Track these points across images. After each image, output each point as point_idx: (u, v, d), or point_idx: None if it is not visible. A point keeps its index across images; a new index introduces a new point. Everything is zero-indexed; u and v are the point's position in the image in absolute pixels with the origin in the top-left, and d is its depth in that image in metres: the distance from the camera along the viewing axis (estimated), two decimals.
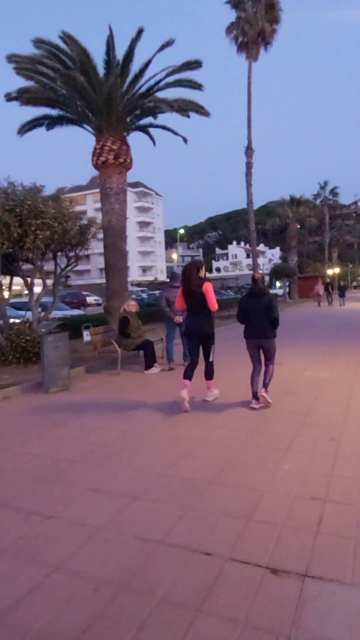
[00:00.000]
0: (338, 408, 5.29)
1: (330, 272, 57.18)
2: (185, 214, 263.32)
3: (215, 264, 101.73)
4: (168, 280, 9.70)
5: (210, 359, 5.85)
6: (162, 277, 78.93)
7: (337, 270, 64.39)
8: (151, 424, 5.04)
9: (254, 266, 30.74)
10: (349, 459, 3.75)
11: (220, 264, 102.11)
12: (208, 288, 5.57)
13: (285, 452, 3.95)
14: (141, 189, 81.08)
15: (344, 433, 4.40)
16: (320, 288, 29.91)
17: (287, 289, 39.20)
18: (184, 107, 13.81)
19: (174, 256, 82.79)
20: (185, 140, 15.15)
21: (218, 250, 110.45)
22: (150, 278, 76.94)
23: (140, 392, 6.62)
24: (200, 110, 13.83)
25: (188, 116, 14.81)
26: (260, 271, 41.77)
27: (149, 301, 31.00)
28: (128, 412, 5.55)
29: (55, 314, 15.84)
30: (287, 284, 39.70)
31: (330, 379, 6.91)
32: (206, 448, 4.17)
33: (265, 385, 5.55)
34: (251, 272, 32.06)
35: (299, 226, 46.66)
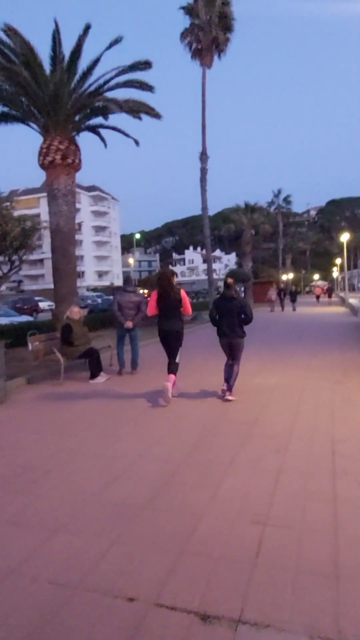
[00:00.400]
0: (285, 417, 5.11)
1: (284, 277, 58.54)
2: (142, 218, 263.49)
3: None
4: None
5: (177, 360, 6.21)
6: (119, 282, 78.01)
7: (290, 275, 66.04)
8: (89, 439, 4.67)
9: (209, 271, 30.80)
10: (293, 473, 3.53)
11: (177, 269, 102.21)
12: (185, 294, 6.15)
13: (228, 468, 3.70)
14: (97, 192, 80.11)
15: (290, 444, 4.21)
16: (273, 293, 30.37)
17: (243, 294, 39.66)
18: (135, 109, 13.52)
19: (131, 261, 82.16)
20: (137, 142, 14.84)
21: (175, 256, 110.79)
22: (107, 283, 75.99)
23: (82, 404, 6.22)
24: (152, 112, 13.58)
25: (140, 118, 14.52)
26: (216, 276, 42.05)
27: (104, 306, 30.40)
28: (65, 427, 5.14)
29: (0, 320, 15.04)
30: (242, 289, 40.16)
31: (279, 386, 6.77)
32: (144, 466, 3.84)
33: (230, 388, 6.09)
34: (207, 277, 32.10)
35: (253, 232, 47.47)
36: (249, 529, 2.76)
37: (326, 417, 5.01)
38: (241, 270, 42.63)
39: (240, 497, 3.18)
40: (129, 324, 8.21)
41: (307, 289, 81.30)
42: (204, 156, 29.54)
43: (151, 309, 6.20)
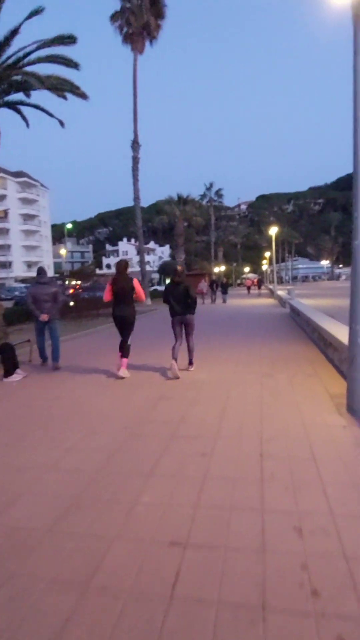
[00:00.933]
0: (213, 415, 4.84)
1: (216, 269, 59.40)
2: (75, 208, 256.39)
3: (105, 261, 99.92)
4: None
5: (129, 342, 6.98)
6: (50, 273, 75.10)
7: (222, 268, 67.19)
8: None
9: (142, 263, 30.33)
10: (218, 480, 3.24)
11: (111, 260, 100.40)
12: (137, 283, 6.92)
13: (149, 478, 3.33)
14: (25, 179, 76.26)
15: (216, 446, 3.92)
16: (204, 285, 30.44)
17: None
18: (59, 86, 12.69)
19: (63, 252, 79.46)
20: (62, 123, 13.99)
21: (108, 247, 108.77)
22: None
23: None
24: (77, 91, 12.82)
25: (65, 97, 13.69)
26: (149, 268, 41.60)
27: None
28: None
29: None
30: None
31: (208, 381, 6.52)
32: (53, 480, 3.37)
33: (191, 361, 7.27)
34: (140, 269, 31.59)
35: (187, 225, 47.49)
36: (167, 553, 2.40)
37: (254, 414, 4.80)
38: (174, 262, 42.48)
39: (159, 514, 2.82)
40: (44, 317, 7.66)
41: (239, 281, 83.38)
42: (135, 144, 28.92)
43: (106, 296, 6.93)
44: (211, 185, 64.41)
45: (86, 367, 7.82)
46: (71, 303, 22.86)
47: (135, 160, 28.94)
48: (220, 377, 6.77)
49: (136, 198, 29.35)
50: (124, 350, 6.93)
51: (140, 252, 31.07)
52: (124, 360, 6.90)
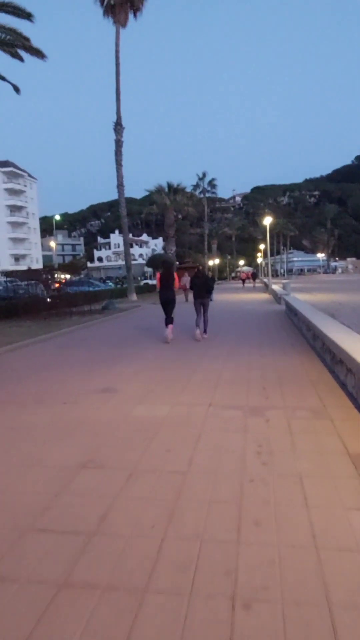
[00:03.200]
0: (156, 511, 2.81)
1: (210, 262, 57.31)
2: (66, 200, 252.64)
3: (97, 253, 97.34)
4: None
5: (172, 315, 9.75)
6: (38, 265, 72.65)
7: (217, 260, 65.12)
8: None
9: (127, 255, 28.17)
10: None
11: (103, 253, 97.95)
12: (176, 276, 10.10)
13: None
14: (11, 169, 73.59)
15: (141, 615, 1.90)
16: (187, 281, 27.81)
17: None
18: (9, 41, 10.50)
19: (52, 244, 77.13)
20: (17, 89, 11.79)
21: (100, 240, 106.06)
22: (24, 267, 70.50)
23: None
24: (28, 44, 10.62)
25: (20, 58, 11.52)
26: (142, 261, 39.44)
27: (7, 294, 26.58)
28: None
29: None
30: None
31: (167, 422, 4.48)
32: None
33: (205, 330, 10.23)
34: (135, 262, 29.52)
35: (180, 216, 45.24)
36: None
37: (228, 513, 2.77)
38: (163, 255, 40.42)
39: None
40: None
41: (233, 274, 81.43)
42: (118, 127, 26.67)
43: (159, 284, 9.84)
44: (204, 175, 61.82)
45: (11, 396, 5.80)
46: (48, 300, 20.74)
47: (118, 143, 26.68)
48: (187, 413, 4.74)
49: (120, 185, 27.12)
50: (170, 321, 9.61)
51: (124, 243, 28.83)
52: (170, 326, 9.59)
